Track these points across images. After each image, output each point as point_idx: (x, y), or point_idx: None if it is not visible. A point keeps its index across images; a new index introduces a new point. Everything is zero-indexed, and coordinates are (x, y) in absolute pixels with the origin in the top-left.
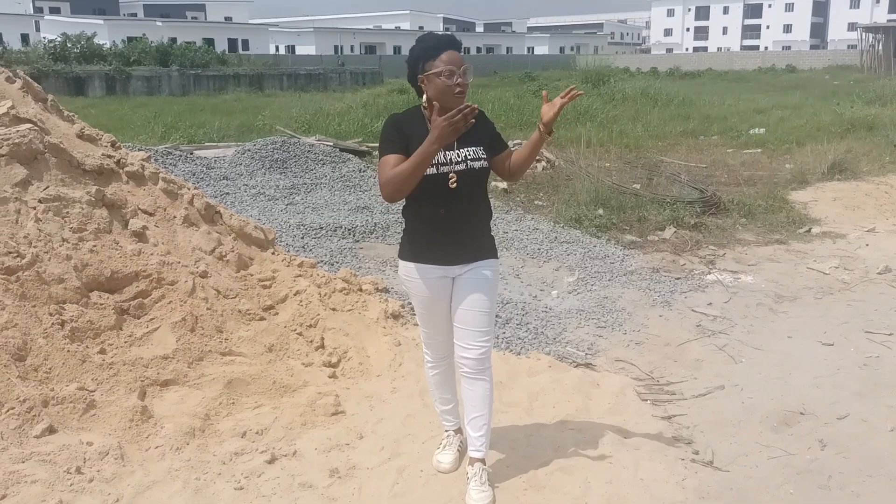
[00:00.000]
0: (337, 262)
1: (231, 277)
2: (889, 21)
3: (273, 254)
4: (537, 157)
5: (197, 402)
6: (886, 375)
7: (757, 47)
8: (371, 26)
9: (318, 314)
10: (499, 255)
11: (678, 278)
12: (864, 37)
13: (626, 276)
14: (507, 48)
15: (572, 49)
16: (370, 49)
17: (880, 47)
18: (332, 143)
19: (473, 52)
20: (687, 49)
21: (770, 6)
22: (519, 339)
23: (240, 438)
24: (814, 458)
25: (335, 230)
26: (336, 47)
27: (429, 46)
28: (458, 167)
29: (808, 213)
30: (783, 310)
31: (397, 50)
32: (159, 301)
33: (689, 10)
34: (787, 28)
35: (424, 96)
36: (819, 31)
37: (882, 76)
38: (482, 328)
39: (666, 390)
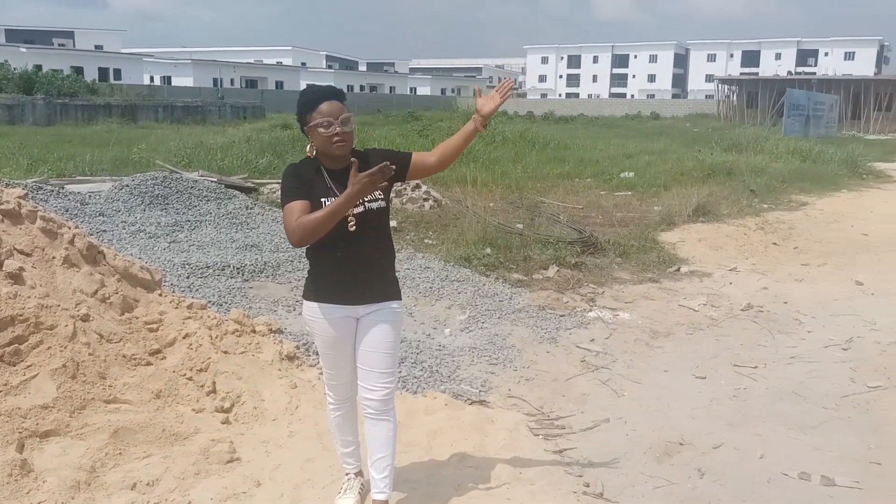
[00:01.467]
0: (226, 303)
1: (115, 321)
2: (742, 74)
3: (160, 295)
4: (424, 197)
5: (81, 454)
6: (754, 406)
7: (624, 95)
8: (252, 60)
9: (209, 357)
10: None
11: (562, 315)
12: (720, 88)
13: (515, 313)
14: (391, 87)
15: (453, 91)
16: (251, 83)
17: (735, 98)
18: (216, 179)
19: (357, 90)
20: (560, 95)
21: (636, 57)
22: (415, 377)
23: (129, 491)
24: (694, 486)
25: (223, 269)
26: (215, 80)
27: (307, 101)
28: (356, 210)
29: (676, 253)
30: (659, 345)
31: (279, 85)
32: (37, 347)
33: (562, 58)
34: (652, 78)
35: (309, 146)
36: (680, 81)
37: (737, 125)
38: (386, 369)
39: (556, 425)
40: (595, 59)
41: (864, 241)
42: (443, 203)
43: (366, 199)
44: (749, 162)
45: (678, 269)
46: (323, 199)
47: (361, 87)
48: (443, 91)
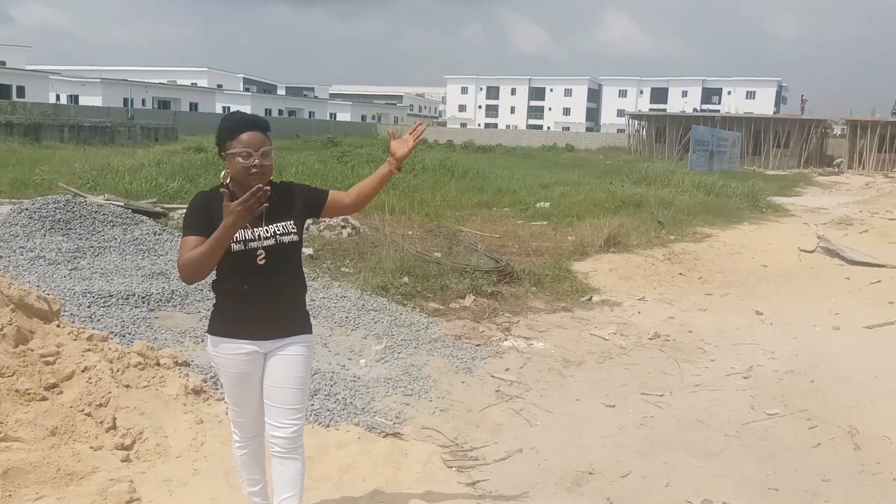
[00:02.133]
0: (130, 334)
1: (8, 353)
2: (651, 110)
3: (58, 326)
4: (342, 224)
5: None
6: (660, 434)
7: (541, 127)
8: (165, 81)
9: (110, 392)
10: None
11: (478, 345)
12: (630, 123)
13: (431, 343)
14: (310, 112)
15: (374, 118)
16: (164, 104)
17: (644, 133)
18: (122, 204)
19: (275, 114)
20: (479, 125)
21: (552, 90)
22: (328, 410)
23: None
24: None
25: (127, 298)
26: (126, 99)
27: (229, 127)
28: (266, 242)
29: (588, 283)
30: (571, 374)
31: (194, 107)
32: None
33: (481, 89)
34: (567, 111)
35: (224, 173)
36: (593, 115)
37: (646, 158)
38: (294, 405)
39: (469, 456)
40: (513, 91)
41: (763, 273)
42: (361, 231)
43: (278, 233)
44: (657, 194)
45: (590, 299)
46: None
47: (280, 112)
48: (363, 118)
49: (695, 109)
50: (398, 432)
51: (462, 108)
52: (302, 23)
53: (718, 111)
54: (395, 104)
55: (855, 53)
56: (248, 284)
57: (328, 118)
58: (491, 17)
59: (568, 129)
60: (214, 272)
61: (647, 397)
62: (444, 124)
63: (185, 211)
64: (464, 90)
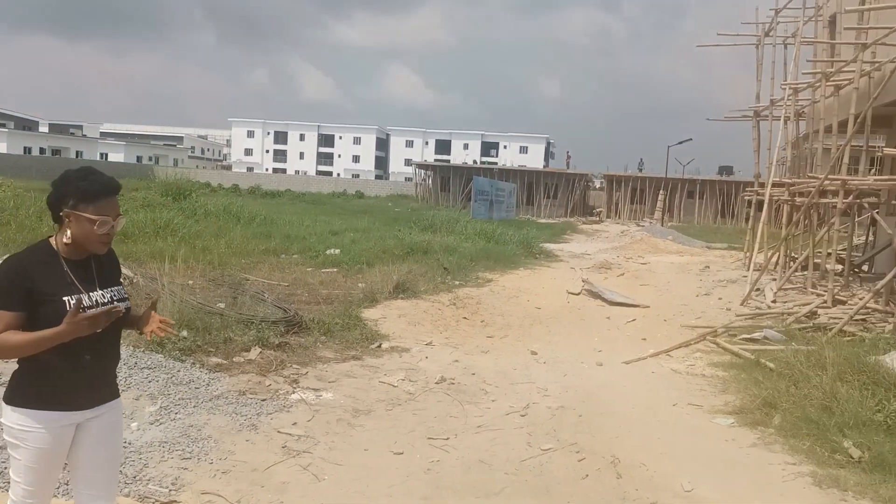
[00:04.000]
0: None
1: None
2: (436, 160)
3: None
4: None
5: None
6: (445, 478)
7: (330, 173)
8: None
9: None
10: None
11: (264, 400)
12: (417, 172)
13: (213, 400)
14: (77, 152)
15: (150, 159)
16: None
17: (430, 182)
18: None
19: (36, 152)
20: (267, 169)
21: (341, 138)
22: None
23: None
24: None
25: None
26: None
27: (86, 189)
28: (104, 309)
29: (378, 330)
30: (360, 423)
31: None
32: None
33: (269, 133)
34: (356, 158)
35: (59, 228)
36: (382, 163)
37: (433, 206)
38: (114, 484)
39: None
40: (302, 137)
41: (537, 314)
42: (135, 281)
43: (115, 298)
44: (443, 241)
45: (380, 346)
46: (66, 298)
47: (42, 150)
48: (139, 158)
49: (475, 161)
50: (174, 500)
51: (248, 152)
52: (68, 57)
53: (496, 164)
54: (174, 145)
55: (609, 115)
56: (90, 354)
57: (99, 158)
58: (276, 62)
59: (358, 176)
60: None
61: (434, 441)
62: (229, 167)
63: None
64: (250, 134)
